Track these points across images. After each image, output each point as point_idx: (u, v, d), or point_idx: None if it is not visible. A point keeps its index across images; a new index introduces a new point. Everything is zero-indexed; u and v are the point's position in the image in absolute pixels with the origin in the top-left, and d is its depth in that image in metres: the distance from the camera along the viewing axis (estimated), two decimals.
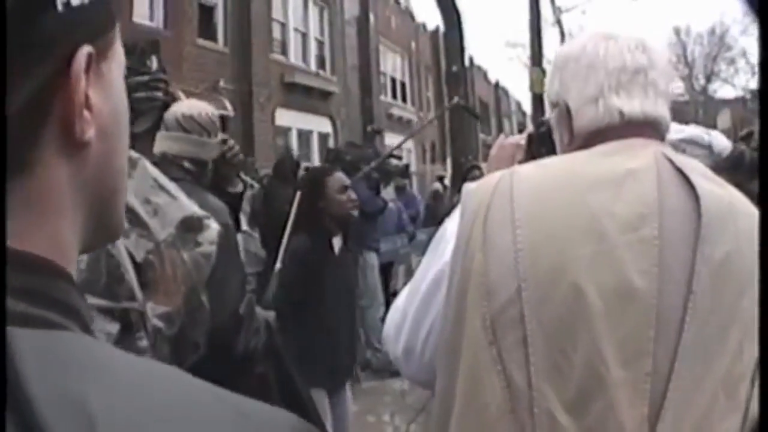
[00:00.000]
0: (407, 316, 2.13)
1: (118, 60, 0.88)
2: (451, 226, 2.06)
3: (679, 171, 1.89)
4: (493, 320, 1.83)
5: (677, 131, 4.70)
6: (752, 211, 1.93)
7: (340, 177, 6.11)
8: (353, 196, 6.05)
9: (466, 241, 1.90)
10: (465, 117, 22.17)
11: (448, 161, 30.30)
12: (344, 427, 6.06)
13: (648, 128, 2.02)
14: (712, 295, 1.80)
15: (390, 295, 14.50)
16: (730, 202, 1.92)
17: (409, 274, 18.30)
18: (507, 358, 1.81)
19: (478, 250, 1.86)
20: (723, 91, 75.69)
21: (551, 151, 2.26)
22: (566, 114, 2.10)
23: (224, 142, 4.48)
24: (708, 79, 69.53)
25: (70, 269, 0.82)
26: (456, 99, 18.30)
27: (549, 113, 2.30)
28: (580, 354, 1.77)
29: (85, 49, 0.78)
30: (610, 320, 1.77)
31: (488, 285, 1.84)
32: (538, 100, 23.93)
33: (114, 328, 2.50)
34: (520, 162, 2.41)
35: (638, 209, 1.83)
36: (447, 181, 22.20)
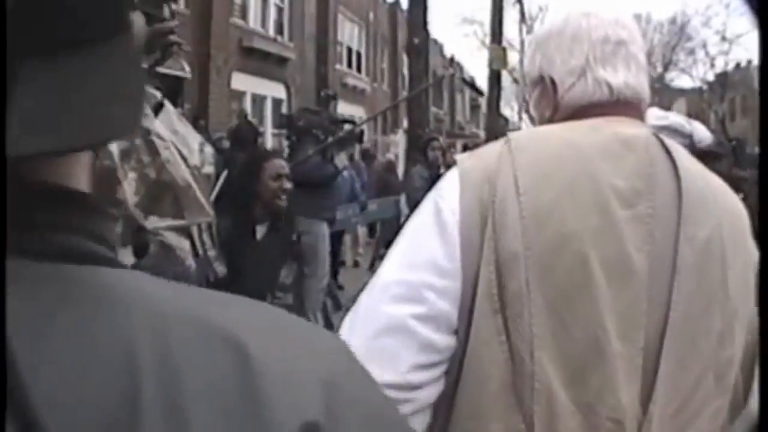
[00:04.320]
0: (376, 296, 1.87)
1: None
2: (447, 204, 1.89)
3: (666, 150, 1.92)
4: (501, 289, 1.78)
5: (660, 118, 4.71)
6: (730, 193, 2.00)
7: (278, 164, 5.99)
8: (287, 185, 5.89)
9: (478, 208, 1.84)
10: (423, 90, 22.21)
11: (400, 132, 30.26)
12: None
13: (631, 107, 2.04)
14: (697, 275, 1.82)
15: (339, 264, 14.57)
16: (710, 185, 1.96)
17: (356, 243, 18.26)
18: (512, 327, 1.77)
19: (490, 215, 1.82)
20: (680, 80, 76.19)
21: None
22: (551, 87, 2.09)
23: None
24: (665, 68, 69.89)
25: None
26: (450, 71, 18.27)
27: (529, 93, 2.26)
28: (581, 325, 1.76)
29: None
30: (612, 292, 1.76)
31: (497, 254, 1.79)
32: (495, 76, 24.04)
33: (186, 244, 2.63)
34: None
35: (635, 185, 1.83)
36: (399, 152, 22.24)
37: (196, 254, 2.68)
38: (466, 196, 1.87)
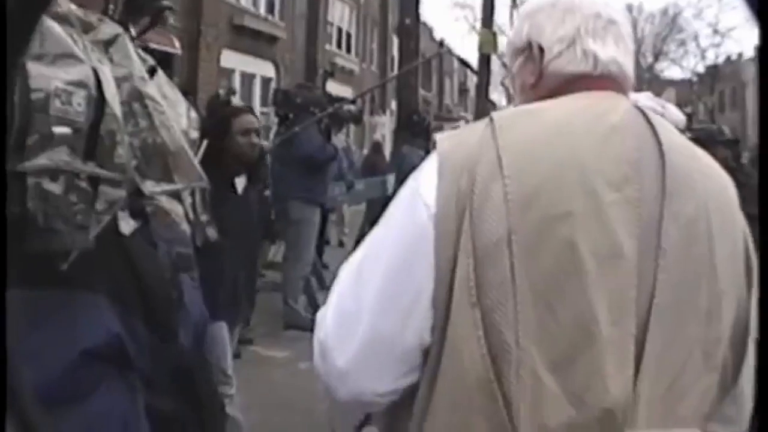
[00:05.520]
0: (364, 301, 1.90)
1: None
2: (422, 198, 1.87)
3: (651, 127, 1.90)
4: (479, 278, 1.75)
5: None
6: (717, 167, 1.98)
7: (247, 120, 6.08)
8: (255, 140, 6.01)
9: (455, 198, 1.81)
10: (412, 70, 22.20)
11: (387, 113, 30.20)
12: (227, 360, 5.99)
13: (616, 84, 2.03)
14: (683, 252, 1.80)
15: (324, 244, 14.57)
16: (695, 159, 1.94)
17: (341, 222, 18.24)
18: (495, 318, 1.74)
19: (468, 204, 1.78)
20: (670, 71, 76.37)
21: None
22: (538, 54, 2.06)
23: None
24: (656, 58, 70.16)
25: None
26: (446, 48, 18.17)
27: (510, 63, 2.20)
28: (568, 311, 1.72)
29: None
30: (601, 278, 1.73)
31: (476, 240, 1.75)
32: (484, 61, 24.03)
33: (179, 208, 2.65)
34: None
35: (622, 168, 1.80)
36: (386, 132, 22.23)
37: (187, 219, 2.70)
38: (443, 187, 1.84)
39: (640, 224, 1.78)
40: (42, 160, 2.00)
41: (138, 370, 2.30)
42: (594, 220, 1.75)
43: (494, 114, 1.95)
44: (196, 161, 2.66)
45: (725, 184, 1.98)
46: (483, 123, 1.92)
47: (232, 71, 29.51)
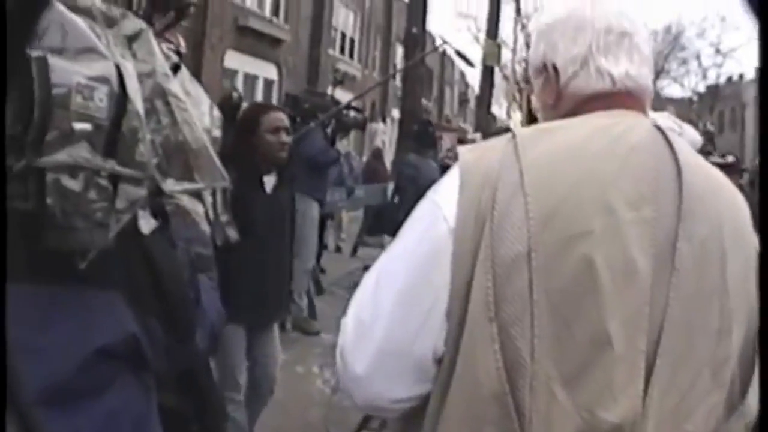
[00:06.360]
0: (381, 310, 1.93)
1: None
2: (445, 202, 1.90)
3: (669, 145, 1.92)
4: (498, 293, 1.77)
5: None
6: (730, 187, 2.01)
7: (276, 117, 5.92)
8: (285, 138, 5.85)
9: (474, 213, 1.83)
10: (417, 78, 22.27)
11: (388, 121, 30.17)
12: (271, 367, 6.00)
13: (634, 99, 2.04)
14: (696, 272, 1.82)
15: (322, 248, 14.58)
16: (709, 179, 1.97)
17: (338, 228, 18.29)
18: (512, 333, 1.76)
19: (488, 220, 1.80)
20: (670, 89, 76.58)
21: None
22: (554, 74, 2.09)
23: None
24: (657, 76, 70.41)
25: None
26: (444, 41, 18.16)
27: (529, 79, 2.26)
28: (584, 326, 1.75)
29: None
30: (617, 296, 1.75)
31: (495, 256, 1.78)
32: (488, 72, 24.06)
33: (200, 208, 2.63)
34: None
35: (640, 188, 1.82)
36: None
37: (208, 219, 2.68)
38: (464, 202, 1.87)
39: (655, 243, 1.80)
40: (61, 156, 1.97)
41: (153, 370, 2.28)
42: (612, 238, 1.78)
43: (516, 131, 1.97)
44: (218, 160, 2.63)
45: (738, 203, 2.01)
46: (504, 139, 1.95)
47: (235, 72, 29.60)
